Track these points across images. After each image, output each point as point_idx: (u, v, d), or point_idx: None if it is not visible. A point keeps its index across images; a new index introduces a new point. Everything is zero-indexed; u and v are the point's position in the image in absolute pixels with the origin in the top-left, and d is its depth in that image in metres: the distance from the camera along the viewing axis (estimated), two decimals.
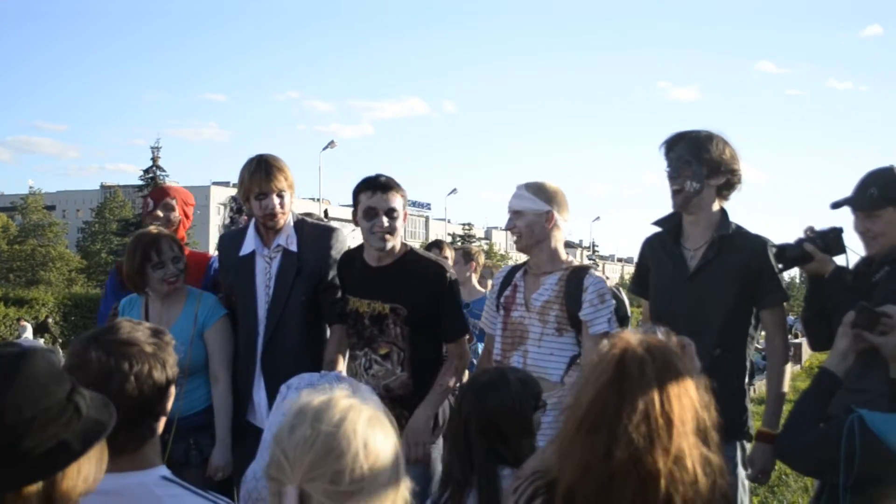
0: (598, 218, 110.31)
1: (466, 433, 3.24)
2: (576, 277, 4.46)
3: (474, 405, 3.28)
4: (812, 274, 4.29)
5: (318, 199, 63.41)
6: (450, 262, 6.98)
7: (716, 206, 4.41)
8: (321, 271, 4.88)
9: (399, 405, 4.49)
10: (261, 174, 4.76)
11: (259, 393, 4.81)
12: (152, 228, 5.00)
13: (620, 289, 4.79)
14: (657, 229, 4.68)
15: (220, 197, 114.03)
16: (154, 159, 61.85)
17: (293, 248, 4.88)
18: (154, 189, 5.95)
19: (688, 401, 2.09)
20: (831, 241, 4.21)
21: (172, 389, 2.60)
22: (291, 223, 4.94)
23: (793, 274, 4.50)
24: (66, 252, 66.17)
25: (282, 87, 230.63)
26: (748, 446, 4.37)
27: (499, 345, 4.60)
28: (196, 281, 5.30)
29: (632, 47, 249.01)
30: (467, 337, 4.88)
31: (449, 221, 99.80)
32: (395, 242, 4.63)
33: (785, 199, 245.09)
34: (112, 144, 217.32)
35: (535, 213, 4.46)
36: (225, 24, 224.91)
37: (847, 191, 4.16)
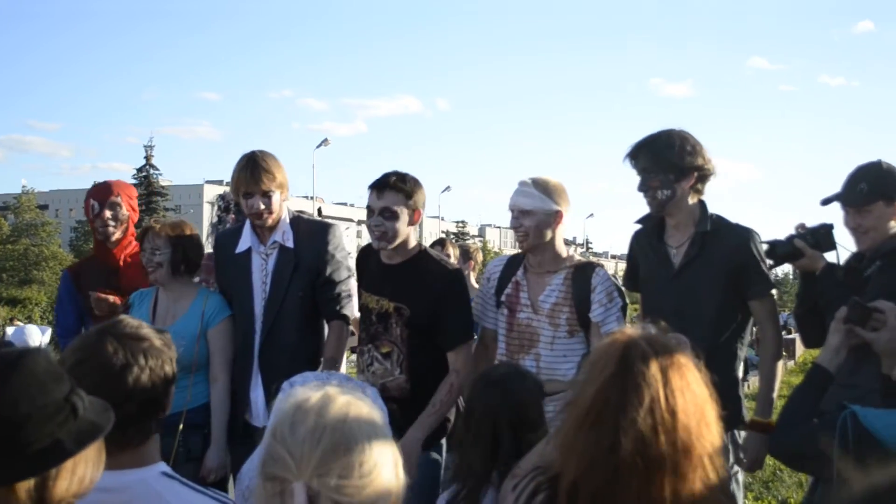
0: (591, 215, 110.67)
1: (495, 426, 3.23)
2: (582, 276, 4.45)
3: (502, 397, 3.29)
4: (803, 270, 4.31)
5: (312, 198, 63.38)
6: (452, 259, 6.99)
7: (693, 201, 4.39)
8: (318, 267, 4.84)
9: (396, 410, 4.43)
10: (246, 174, 4.75)
11: (256, 391, 4.80)
12: (153, 223, 5.06)
13: (617, 276, 4.78)
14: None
15: (213, 195, 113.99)
16: (147, 158, 61.81)
17: (289, 244, 4.86)
18: (93, 189, 5.65)
19: (691, 394, 2.10)
20: (822, 237, 4.23)
21: (173, 387, 2.61)
22: (287, 220, 4.92)
23: (786, 270, 4.51)
24: (59, 251, 65.86)
25: (276, 85, 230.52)
26: (740, 440, 4.37)
27: (503, 346, 4.58)
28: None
29: (624, 44, 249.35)
30: (472, 345, 4.71)
31: (443, 219, 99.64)
32: (394, 242, 4.52)
33: (779, 194, 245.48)
34: (105, 143, 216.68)
35: (544, 213, 4.41)
36: (218, 23, 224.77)
37: (838, 186, 4.20)
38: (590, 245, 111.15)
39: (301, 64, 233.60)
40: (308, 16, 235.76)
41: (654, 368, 2.10)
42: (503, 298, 4.62)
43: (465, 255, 7.92)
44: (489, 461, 3.20)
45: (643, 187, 4.37)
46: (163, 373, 2.49)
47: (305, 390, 1.93)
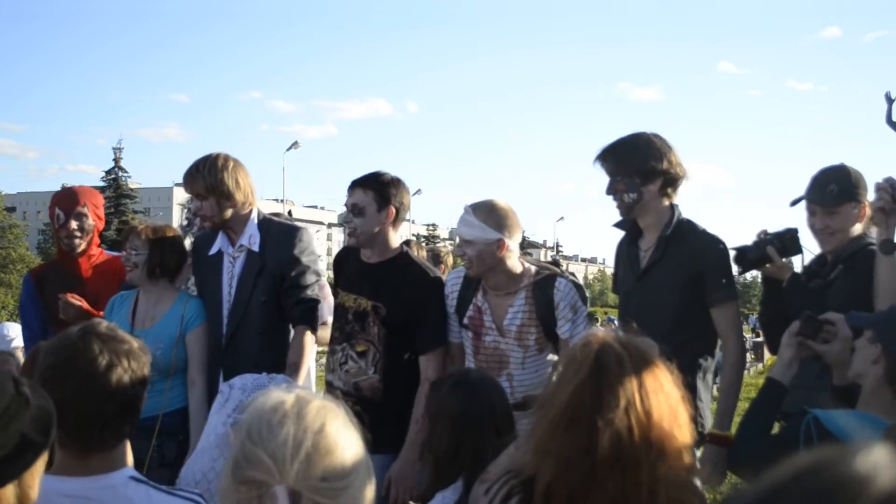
0: (562, 218, 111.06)
1: (462, 430, 3.22)
2: (543, 294, 4.43)
3: (490, 397, 3.31)
4: (769, 277, 4.35)
5: (282, 200, 63.20)
6: None
7: (664, 204, 4.37)
8: (283, 271, 4.81)
9: (365, 406, 4.45)
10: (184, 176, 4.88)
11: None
12: (138, 223, 5.11)
13: (575, 275, 4.78)
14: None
15: (183, 198, 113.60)
16: (116, 160, 61.61)
17: (255, 248, 4.85)
18: (59, 196, 5.55)
19: (664, 395, 2.12)
20: (788, 242, 4.27)
21: (146, 391, 2.60)
22: (255, 222, 4.91)
23: (754, 273, 4.51)
24: (26, 254, 65.38)
25: (245, 87, 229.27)
26: (697, 452, 4.35)
27: (472, 366, 4.54)
28: (112, 284, 5.29)
29: (592, 48, 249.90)
30: (444, 352, 4.72)
31: (413, 222, 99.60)
32: (363, 239, 4.61)
33: (748, 197, 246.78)
34: (73, 145, 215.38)
35: (485, 242, 4.34)
36: (187, 25, 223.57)
37: (802, 190, 4.24)
38: (560, 248, 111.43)
39: (270, 66, 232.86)
40: (278, 18, 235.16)
41: (628, 370, 2.11)
42: (466, 321, 4.59)
43: (436, 259, 7.91)
44: (453, 464, 3.20)
45: (610, 191, 4.37)
46: (142, 375, 2.48)
47: (278, 393, 1.92)
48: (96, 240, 5.55)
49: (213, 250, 4.96)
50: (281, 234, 4.90)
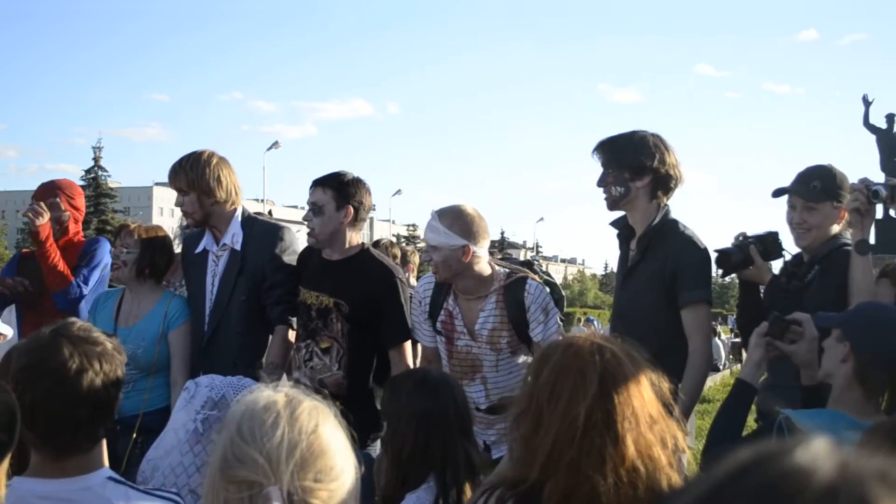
0: (541, 219, 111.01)
1: (448, 427, 3.20)
2: (513, 296, 4.42)
3: (454, 396, 3.30)
4: (746, 280, 4.39)
5: (263, 200, 62.97)
6: (397, 260, 7.10)
7: (652, 204, 4.37)
8: (263, 270, 4.83)
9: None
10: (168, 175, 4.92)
11: None
12: (131, 223, 5.13)
13: (551, 275, 4.80)
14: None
15: (163, 198, 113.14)
16: (96, 159, 61.30)
17: (237, 247, 4.87)
18: (38, 189, 5.63)
19: (637, 390, 2.16)
20: (770, 244, 4.31)
21: (121, 392, 2.57)
22: (238, 219, 4.93)
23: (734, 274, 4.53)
24: (5, 253, 64.88)
25: (226, 87, 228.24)
26: None
27: (446, 371, 4.52)
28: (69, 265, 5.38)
29: (571, 50, 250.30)
30: (410, 344, 4.76)
31: (393, 222, 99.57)
32: (322, 238, 4.66)
33: (726, 199, 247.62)
34: (53, 144, 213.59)
35: (450, 248, 4.33)
36: (167, 24, 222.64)
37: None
38: (539, 249, 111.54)
39: (251, 66, 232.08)
40: (259, 19, 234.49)
41: (602, 367, 2.14)
42: (438, 326, 4.60)
43: (403, 259, 7.96)
44: (422, 464, 3.19)
45: (601, 182, 4.41)
46: (115, 377, 2.44)
47: (268, 392, 1.92)
48: (76, 229, 5.63)
49: (199, 249, 4.99)
50: (263, 234, 4.92)
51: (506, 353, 4.43)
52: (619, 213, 4.58)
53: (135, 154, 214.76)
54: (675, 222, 4.38)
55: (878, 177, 4.07)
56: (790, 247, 4.36)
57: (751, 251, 4.28)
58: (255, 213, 5.26)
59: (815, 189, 4.14)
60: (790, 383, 3.56)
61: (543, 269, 5.04)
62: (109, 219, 57.56)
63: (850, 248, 3.95)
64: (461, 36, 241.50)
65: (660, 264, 4.28)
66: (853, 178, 4.07)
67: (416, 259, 8.79)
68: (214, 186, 4.82)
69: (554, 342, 2.29)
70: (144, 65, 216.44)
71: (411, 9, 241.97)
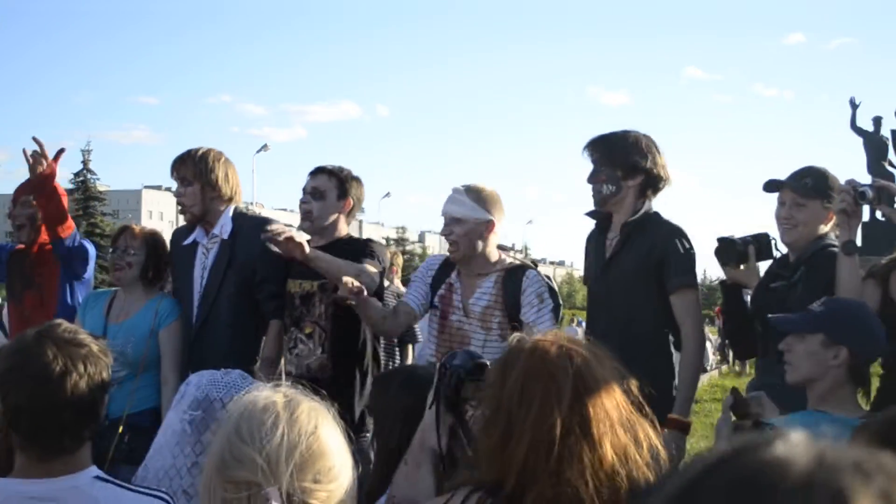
0: (531, 221, 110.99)
1: (411, 428, 3.23)
2: (513, 279, 4.45)
3: (418, 398, 3.31)
4: (732, 283, 4.42)
5: (252, 203, 62.85)
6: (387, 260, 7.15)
7: (638, 203, 4.41)
8: (254, 263, 4.81)
9: (317, 387, 4.41)
10: (171, 164, 4.89)
11: None
12: (134, 225, 5.11)
13: (551, 278, 4.82)
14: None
15: (152, 201, 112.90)
16: (85, 162, 60.88)
17: (225, 235, 4.86)
18: (18, 187, 5.60)
19: (609, 392, 2.12)
20: (763, 245, 4.34)
21: (108, 395, 2.54)
22: (230, 214, 4.92)
23: (720, 275, 4.57)
24: None
25: (214, 90, 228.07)
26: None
27: (433, 347, 4.58)
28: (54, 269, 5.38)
29: (561, 52, 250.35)
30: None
31: (383, 225, 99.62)
32: (317, 223, 4.69)
33: (715, 202, 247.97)
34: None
35: (475, 222, 4.40)
36: (155, 27, 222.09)
37: (773, 198, 4.31)
38: (529, 251, 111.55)
39: (240, 69, 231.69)
40: (247, 21, 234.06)
41: (568, 370, 2.09)
42: (436, 301, 4.62)
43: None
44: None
45: (592, 179, 4.43)
46: (100, 379, 2.41)
47: (266, 392, 1.93)
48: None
49: (188, 241, 4.97)
50: (253, 227, 4.85)
51: (495, 335, 4.42)
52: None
53: (123, 157, 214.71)
54: (657, 213, 4.46)
55: (865, 179, 4.10)
56: (780, 249, 4.38)
57: (749, 251, 4.31)
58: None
59: (806, 185, 4.16)
60: (776, 382, 3.59)
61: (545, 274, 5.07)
62: (98, 222, 57.21)
63: (836, 249, 3.98)
64: (450, 38, 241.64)
65: (645, 251, 4.32)
66: (840, 180, 4.10)
67: (399, 261, 8.83)
68: (221, 181, 4.85)
69: (516, 346, 2.22)
70: (133, 68, 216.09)
71: (400, 11, 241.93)
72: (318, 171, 4.73)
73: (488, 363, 2.40)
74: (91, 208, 58.85)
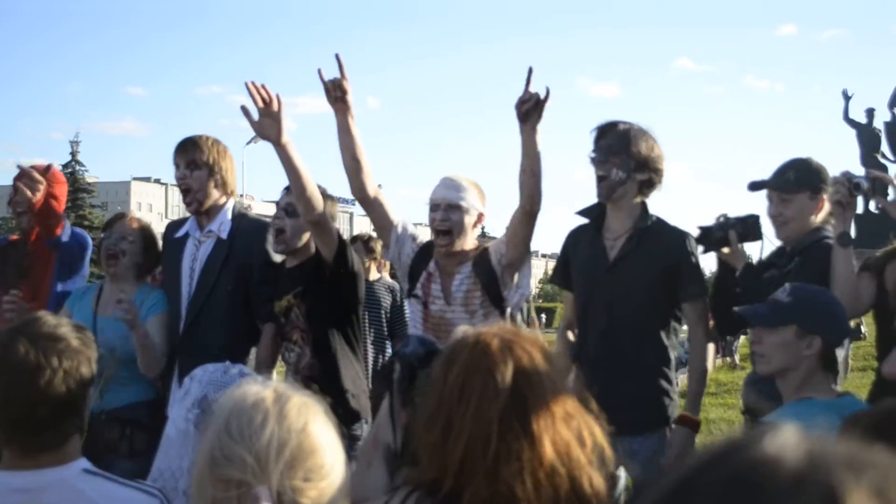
0: None
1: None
2: (483, 257, 4.43)
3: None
4: (725, 261, 4.42)
5: (242, 195, 62.84)
6: (377, 254, 7.30)
7: (637, 200, 4.40)
8: (252, 265, 4.75)
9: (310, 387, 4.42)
10: (176, 147, 4.79)
11: (174, 385, 4.63)
12: (130, 216, 5.08)
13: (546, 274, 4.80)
14: (583, 220, 4.64)
15: (141, 193, 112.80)
16: (73, 154, 60.99)
17: (224, 235, 4.77)
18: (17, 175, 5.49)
19: (551, 386, 2.04)
20: (750, 227, 4.32)
21: (91, 389, 2.51)
22: (228, 210, 4.85)
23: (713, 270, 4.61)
24: None
25: (203, 81, 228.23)
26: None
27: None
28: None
29: (551, 43, 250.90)
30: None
31: None
32: (291, 243, 4.59)
33: (706, 193, 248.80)
34: (29, 138, 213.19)
35: (475, 211, 4.42)
36: (143, 18, 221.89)
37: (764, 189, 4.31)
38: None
39: (229, 60, 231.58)
40: (236, 12, 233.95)
41: (510, 365, 2.01)
42: (417, 291, 4.56)
43: (368, 248, 7.66)
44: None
45: (602, 158, 4.34)
46: (78, 375, 2.37)
47: (256, 387, 1.90)
48: (53, 214, 5.52)
49: (181, 233, 4.92)
50: (253, 229, 4.84)
51: (479, 316, 4.39)
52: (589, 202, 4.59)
53: (112, 149, 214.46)
54: (661, 218, 4.46)
55: (859, 171, 4.08)
56: (771, 235, 4.38)
57: (730, 235, 4.29)
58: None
59: (788, 180, 4.17)
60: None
61: None
62: (87, 214, 57.19)
63: (831, 240, 3.97)
64: (441, 31, 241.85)
65: (656, 256, 4.32)
66: (833, 172, 4.09)
67: (378, 246, 8.79)
68: (227, 172, 4.81)
69: (461, 339, 2.13)
70: (121, 59, 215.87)
71: (391, 3, 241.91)
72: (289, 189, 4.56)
73: (442, 349, 2.31)
74: (80, 200, 58.84)
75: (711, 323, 4.55)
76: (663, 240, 4.36)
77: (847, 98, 27.69)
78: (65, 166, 59.17)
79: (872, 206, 24.35)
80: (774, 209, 4.23)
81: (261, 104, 4.16)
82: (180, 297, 4.78)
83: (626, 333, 4.26)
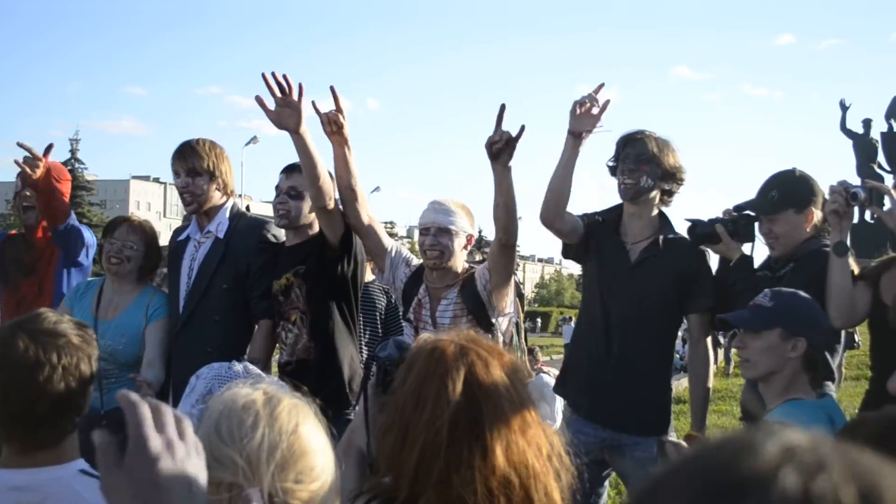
0: (520, 217, 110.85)
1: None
2: (469, 281, 4.46)
3: None
4: (719, 255, 4.46)
5: (240, 196, 62.77)
6: None
7: (656, 209, 4.51)
8: (248, 261, 4.76)
9: (304, 372, 4.44)
10: (175, 154, 4.78)
11: (169, 383, 4.68)
12: (132, 216, 5.11)
13: (521, 284, 4.81)
14: (591, 209, 4.75)
15: (140, 191, 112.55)
16: (73, 152, 60.86)
17: (221, 235, 4.79)
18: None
19: (507, 394, 2.00)
20: (742, 227, 4.34)
21: (91, 386, 2.50)
22: (227, 211, 4.87)
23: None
24: None
25: (202, 82, 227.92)
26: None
27: None
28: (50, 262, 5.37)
29: (551, 49, 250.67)
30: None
31: None
32: (295, 223, 4.64)
33: (703, 202, 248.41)
34: (29, 136, 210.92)
35: (465, 234, 4.48)
36: (144, 18, 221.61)
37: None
38: (517, 248, 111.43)
39: (228, 61, 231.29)
40: (236, 12, 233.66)
41: (467, 373, 1.98)
42: (410, 316, 4.62)
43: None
44: None
45: (633, 166, 4.39)
46: (78, 372, 2.36)
47: (246, 389, 1.89)
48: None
49: (183, 236, 4.96)
50: (249, 228, 4.87)
51: None
52: (609, 203, 4.68)
53: (111, 147, 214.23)
54: (677, 232, 4.56)
55: (855, 181, 4.09)
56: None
57: (717, 228, 4.31)
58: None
59: (772, 199, 4.20)
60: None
61: (520, 267, 5.05)
62: (86, 212, 57.05)
63: (827, 249, 3.98)
64: (442, 33, 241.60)
65: (674, 263, 4.39)
66: (830, 182, 4.09)
67: None
68: (227, 175, 4.84)
69: (420, 346, 2.11)
70: (121, 59, 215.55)
71: (392, 5, 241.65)
72: (293, 170, 4.63)
73: None
74: (79, 198, 58.66)
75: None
76: (682, 248, 4.44)
77: (844, 108, 27.64)
78: (64, 164, 58.62)
79: (868, 215, 24.42)
80: (765, 228, 4.28)
81: (279, 94, 4.20)
82: (179, 295, 4.81)
83: (637, 334, 4.34)
